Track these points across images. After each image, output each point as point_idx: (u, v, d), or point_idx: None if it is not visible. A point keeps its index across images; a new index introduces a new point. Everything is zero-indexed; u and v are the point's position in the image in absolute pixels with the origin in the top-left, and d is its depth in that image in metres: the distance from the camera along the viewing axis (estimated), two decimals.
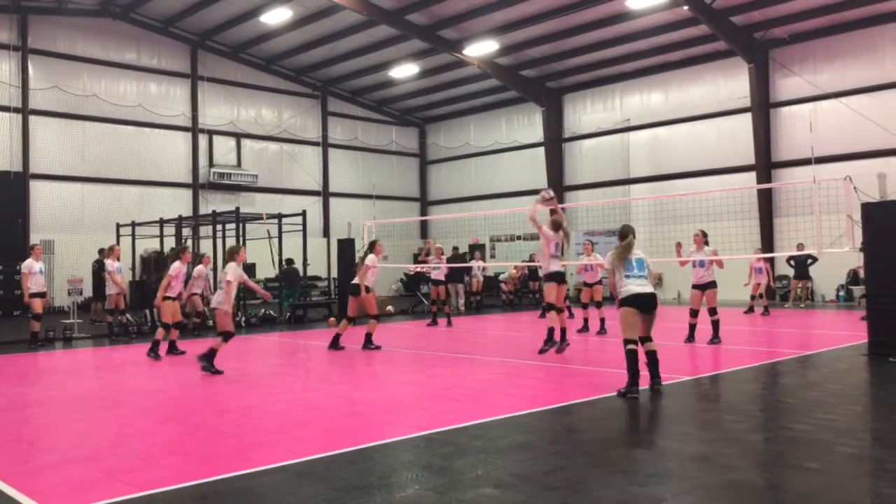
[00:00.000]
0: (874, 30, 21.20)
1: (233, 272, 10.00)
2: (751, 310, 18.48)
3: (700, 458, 5.50)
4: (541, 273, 12.10)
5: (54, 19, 24.00)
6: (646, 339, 8.07)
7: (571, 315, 16.21)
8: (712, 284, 12.29)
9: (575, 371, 9.88)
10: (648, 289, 7.98)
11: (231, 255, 10.33)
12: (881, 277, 10.34)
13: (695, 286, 12.38)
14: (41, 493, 4.81)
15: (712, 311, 12.30)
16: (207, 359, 9.93)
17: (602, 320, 14.38)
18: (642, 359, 7.90)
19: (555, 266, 11.02)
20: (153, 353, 11.59)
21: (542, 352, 11.03)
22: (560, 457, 5.72)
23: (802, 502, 4.54)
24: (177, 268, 11.77)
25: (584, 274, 15.04)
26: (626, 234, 8.32)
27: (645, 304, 7.93)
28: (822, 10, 20.95)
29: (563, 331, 11.03)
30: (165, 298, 11.74)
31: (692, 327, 12.43)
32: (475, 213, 26.42)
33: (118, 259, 14.96)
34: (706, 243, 12.48)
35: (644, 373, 7.88)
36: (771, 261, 22.48)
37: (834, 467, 5.24)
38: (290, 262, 19.52)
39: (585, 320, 14.76)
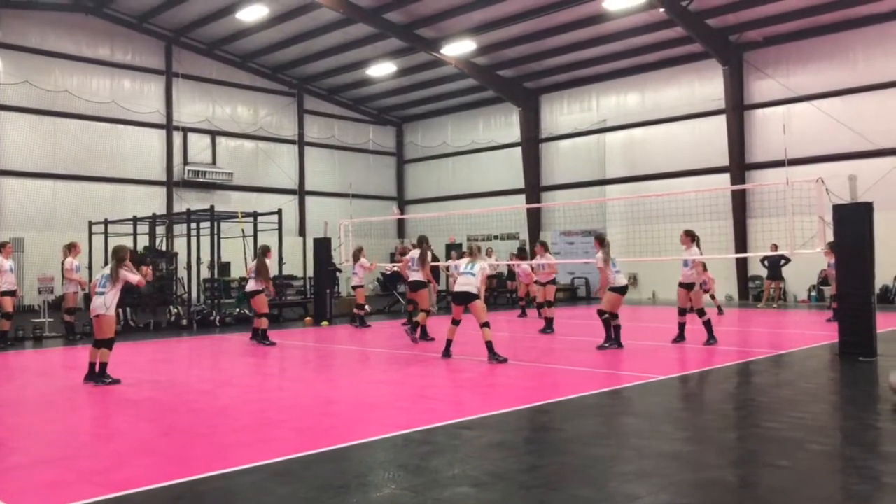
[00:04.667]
0: (847, 34, 21.50)
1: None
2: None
3: (674, 456, 5.55)
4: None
5: (26, 14, 23.59)
6: (480, 325, 10.53)
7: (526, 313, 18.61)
8: (693, 286, 12.11)
9: (550, 370, 9.92)
10: (463, 288, 10.70)
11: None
12: (851, 278, 10.51)
13: (681, 285, 12.15)
14: (11, 495, 4.73)
15: (700, 313, 12.01)
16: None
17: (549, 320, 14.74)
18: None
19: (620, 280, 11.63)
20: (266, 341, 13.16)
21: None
22: (536, 455, 5.75)
23: (774, 499, 4.61)
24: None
25: (538, 275, 15.43)
26: (472, 250, 11.15)
27: (456, 298, 10.93)
28: (796, 14, 21.20)
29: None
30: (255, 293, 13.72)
31: (681, 326, 12.25)
32: (452, 213, 26.33)
33: (77, 256, 14.57)
34: (694, 244, 12.09)
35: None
36: (745, 261, 22.87)
37: (805, 465, 5.32)
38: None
39: (549, 320, 14.78)
